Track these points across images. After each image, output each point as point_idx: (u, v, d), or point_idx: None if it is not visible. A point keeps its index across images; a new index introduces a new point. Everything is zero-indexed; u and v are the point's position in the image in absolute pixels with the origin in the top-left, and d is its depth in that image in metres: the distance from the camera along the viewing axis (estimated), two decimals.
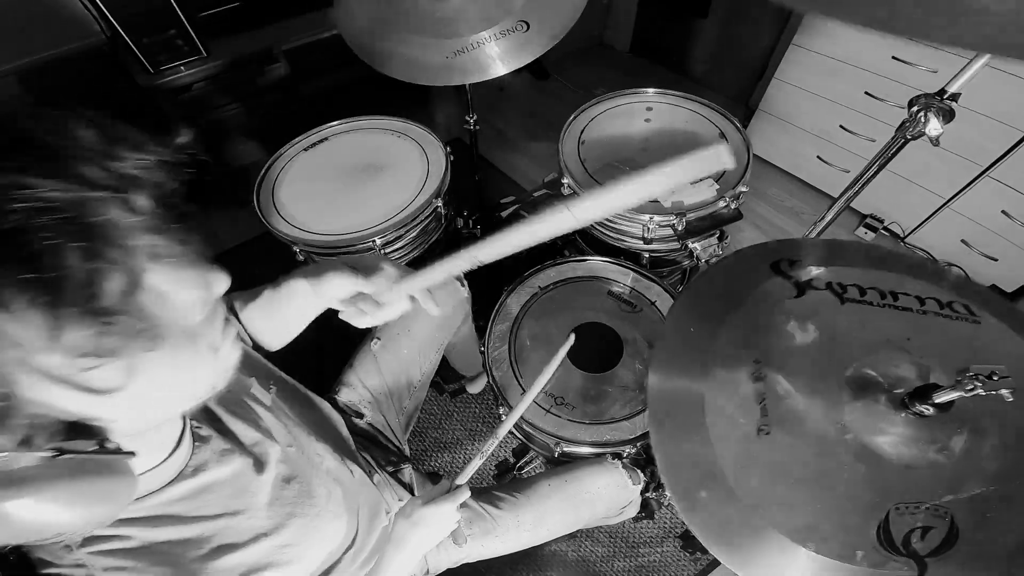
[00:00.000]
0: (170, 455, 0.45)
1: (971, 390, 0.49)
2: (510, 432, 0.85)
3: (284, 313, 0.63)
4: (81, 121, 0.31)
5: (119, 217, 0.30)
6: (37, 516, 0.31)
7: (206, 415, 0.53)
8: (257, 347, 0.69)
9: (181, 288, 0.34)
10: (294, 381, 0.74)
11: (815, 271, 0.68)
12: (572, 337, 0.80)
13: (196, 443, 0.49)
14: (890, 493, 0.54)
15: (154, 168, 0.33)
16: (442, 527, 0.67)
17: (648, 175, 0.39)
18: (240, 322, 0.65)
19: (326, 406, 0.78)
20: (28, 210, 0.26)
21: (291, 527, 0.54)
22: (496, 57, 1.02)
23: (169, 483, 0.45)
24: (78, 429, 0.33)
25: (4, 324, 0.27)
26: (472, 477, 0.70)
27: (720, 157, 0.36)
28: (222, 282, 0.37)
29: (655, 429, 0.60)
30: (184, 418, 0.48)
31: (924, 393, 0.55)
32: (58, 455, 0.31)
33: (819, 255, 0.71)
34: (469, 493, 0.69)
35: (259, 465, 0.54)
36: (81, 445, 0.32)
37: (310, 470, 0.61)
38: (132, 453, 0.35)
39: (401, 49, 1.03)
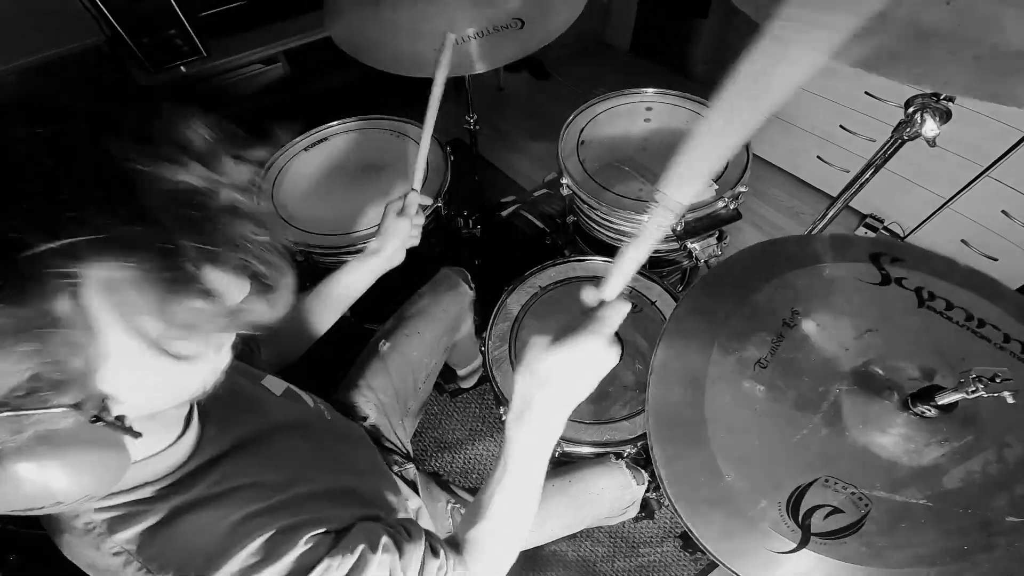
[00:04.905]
0: (178, 439, 0.45)
1: (973, 392, 0.48)
2: None
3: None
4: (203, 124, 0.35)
5: (232, 211, 0.34)
6: (52, 480, 0.32)
7: (218, 402, 0.53)
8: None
9: (229, 282, 0.35)
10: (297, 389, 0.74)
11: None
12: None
13: (203, 427, 0.49)
14: (832, 465, 0.54)
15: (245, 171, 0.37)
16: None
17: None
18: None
19: (335, 414, 0.77)
20: (170, 193, 0.31)
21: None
22: (482, 53, 0.98)
23: (180, 466, 0.46)
24: (105, 403, 0.34)
25: (128, 289, 0.29)
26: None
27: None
28: (245, 288, 0.37)
29: (673, 324, 0.62)
30: (192, 404, 0.48)
31: (928, 394, 0.55)
32: (95, 422, 0.32)
33: (918, 258, 0.69)
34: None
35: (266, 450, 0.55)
36: (108, 416, 0.33)
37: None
38: (140, 434, 0.36)
39: (387, 39, 0.99)
